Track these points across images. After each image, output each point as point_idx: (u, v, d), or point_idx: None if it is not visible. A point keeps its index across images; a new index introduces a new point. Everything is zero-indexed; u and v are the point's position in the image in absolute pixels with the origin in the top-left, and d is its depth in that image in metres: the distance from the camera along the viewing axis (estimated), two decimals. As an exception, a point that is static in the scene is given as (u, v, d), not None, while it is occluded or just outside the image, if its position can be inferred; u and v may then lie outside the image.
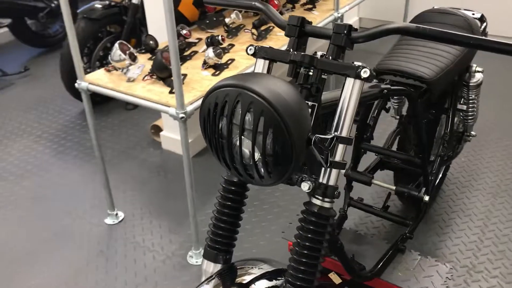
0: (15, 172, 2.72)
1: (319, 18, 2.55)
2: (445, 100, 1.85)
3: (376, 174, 1.88)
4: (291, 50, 1.03)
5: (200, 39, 2.29)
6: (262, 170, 0.88)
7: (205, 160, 2.75)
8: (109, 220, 2.32)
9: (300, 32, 1.04)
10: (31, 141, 3.01)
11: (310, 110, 1.02)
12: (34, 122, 3.23)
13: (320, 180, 0.99)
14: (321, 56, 0.99)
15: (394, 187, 1.75)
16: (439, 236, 2.17)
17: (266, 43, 2.27)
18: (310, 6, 2.62)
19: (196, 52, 2.17)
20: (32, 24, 4.25)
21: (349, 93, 0.97)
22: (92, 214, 2.38)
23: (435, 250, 2.09)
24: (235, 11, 2.34)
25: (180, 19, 2.41)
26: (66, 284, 1.99)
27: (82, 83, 1.97)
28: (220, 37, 2.14)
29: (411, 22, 1.86)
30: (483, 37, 0.91)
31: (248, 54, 1.08)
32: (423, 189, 1.72)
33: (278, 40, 2.31)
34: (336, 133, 0.97)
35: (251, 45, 1.08)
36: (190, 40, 2.26)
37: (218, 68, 2.00)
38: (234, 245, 1.14)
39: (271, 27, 2.38)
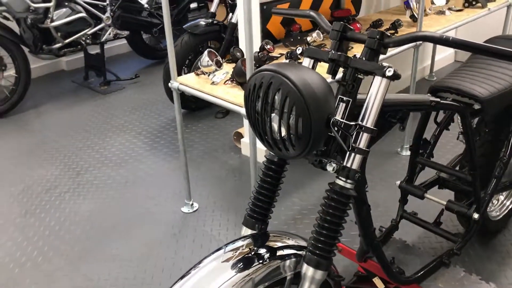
0: (115, 160, 3.12)
1: (399, 43, 2.66)
2: (510, 122, 1.88)
3: (440, 193, 1.94)
4: (332, 51, 1.20)
5: (282, 54, 2.51)
6: (287, 144, 1.06)
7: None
8: (185, 209, 2.59)
9: (342, 36, 1.21)
10: (131, 136, 3.42)
11: (344, 104, 1.18)
12: (136, 121, 3.65)
13: (344, 164, 1.14)
14: (355, 57, 1.16)
15: (445, 202, 1.81)
16: (499, 266, 2.14)
17: (343, 62, 2.43)
18: (392, 31, 2.74)
19: (276, 64, 2.39)
20: (146, 38, 4.80)
21: (376, 90, 1.12)
22: (172, 202, 2.67)
23: (491, 278, 2.06)
24: (317, 31, 2.53)
25: (268, 36, 2.66)
26: (139, 257, 2.27)
27: (174, 83, 2.28)
28: (298, 52, 2.34)
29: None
30: (495, 46, 1.01)
31: (297, 53, 1.27)
32: (474, 207, 1.76)
33: (355, 60, 2.45)
34: (361, 122, 1.12)
35: (301, 46, 1.26)
36: (273, 54, 2.49)
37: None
38: (269, 216, 1.31)
39: (350, 47, 2.54)
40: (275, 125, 1.06)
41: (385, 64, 1.11)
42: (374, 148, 3.14)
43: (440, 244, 2.24)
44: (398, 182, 1.94)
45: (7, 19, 3.70)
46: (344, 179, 1.14)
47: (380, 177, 2.84)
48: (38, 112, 3.88)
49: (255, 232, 1.29)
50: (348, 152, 1.13)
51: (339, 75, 1.19)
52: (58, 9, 3.69)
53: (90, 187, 2.85)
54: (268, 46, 2.49)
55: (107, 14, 4.06)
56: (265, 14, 2.62)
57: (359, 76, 1.17)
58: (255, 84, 1.06)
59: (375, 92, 1.12)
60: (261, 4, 2.59)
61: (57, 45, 3.81)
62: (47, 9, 3.61)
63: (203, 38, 3.43)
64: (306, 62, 1.26)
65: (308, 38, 2.58)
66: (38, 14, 3.58)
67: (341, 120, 1.05)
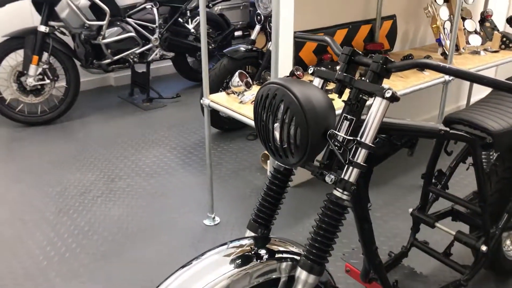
0: (147, 171, 3.29)
1: (428, 78, 2.72)
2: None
3: (455, 224, 1.97)
4: (339, 72, 1.30)
5: (311, 81, 2.62)
6: (287, 151, 1.16)
7: (304, 191, 3.02)
8: (207, 221, 2.70)
9: (350, 60, 1.31)
10: (166, 150, 3.59)
11: (348, 122, 1.27)
12: (172, 137, 3.83)
13: (342, 176, 1.22)
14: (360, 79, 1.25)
15: (454, 233, 1.83)
16: (512, 305, 2.12)
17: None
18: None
19: (304, 89, 2.51)
20: (191, 61, 5.04)
21: (376, 110, 1.20)
22: (195, 214, 2.78)
23: (502, 316, 2.05)
24: (346, 61, 2.64)
25: (299, 63, 2.79)
26: (158, 262, 2.38)
27: (205, 100, 2.43)
28: (310, 71, 2.45)
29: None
30: (496, 78, 1.09)
31: (309, 73, 1.38)
32: (482, 239, 1.78)
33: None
34: (359, 139, 1.20)
35: (313, 66, 1.37)
36: (302, 79, 2.61)
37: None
38: (272, 223, 1.40)
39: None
40: (277, 134, 1.16)
41: (385, 86, 1.20)
42: (400, 181, 3.18)
43: (454, 278, 2.23)
44: (410, 210, 1.99)
45: (64, 34, 4.01)
46: (341, 190, 1.22)
47: (402, 209, 2.86)
48: (83, 122, 4.13)
49: (258, 235, 1.38)
50: (346, 166, 1.21)
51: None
52: (110, 27, 3.97)
53: (122, 193, 3.01)
54: (298, 72, 2.61)
55: (156, 35, 4.32)
56: (298, 42, 2.76)
57: (363, 97, 1.26)
58: (263, 95, 1.18)
59: (374, 111, 1.20)
60: (295, 33, 2.72)
61: (106, 61, 4.07)
62: (100, 26, 3.90)
63: (241, 62, 3.60)
64: (316, 81, 1.36)
65: (338, 67, 2.68)
66: (91, 31, 3.87)
67: (339, 133, 1.14)
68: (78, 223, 2.70)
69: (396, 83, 2.65)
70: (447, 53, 2.87)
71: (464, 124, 1.72)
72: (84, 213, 2.80)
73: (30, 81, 3.85)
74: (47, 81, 3.94)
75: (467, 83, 4.06)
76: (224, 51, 3.63)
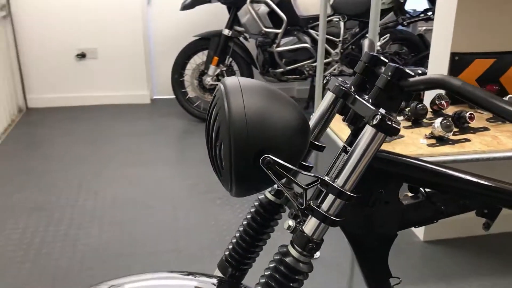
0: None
1: None
2: None
3: None
4: (341, 84, 0.92)
5: (448, 116, 2.07)
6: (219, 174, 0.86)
7: (441, 251, 2.43)
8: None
9: (366, 69, 0.92)
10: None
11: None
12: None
13: (303, 227, 0.85)
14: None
15: None
16: None
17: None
18: None
19: (437, 123, 1.99)
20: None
21: (363, 142, 0.81)
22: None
23: None
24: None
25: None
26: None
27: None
28: (468, 114, 1.90)
29: None
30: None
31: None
32: None
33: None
34: (327, 178, 0.82)
35: (330, 74, 1.01)
36: (446, 111, 2.09)
37: (441, 141, 1.80)
38: (250, 265, 1.09)
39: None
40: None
41: (382, 110, 0.79)
42: None
43: None
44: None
45: (246, 39, 4.14)
46: (299, 248, 0.85)
47: None
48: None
49: (226, 278, 1.09)
50: (307, 213, 0.85)
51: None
52: (286, 36, 3.93)
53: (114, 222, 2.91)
54: (442, 102, 2.10)
55: (337, 50, 4.11)
56: (457, 64, 2.23)
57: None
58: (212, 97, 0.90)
59: (361, 144, 0.81)
60: (453, 54, 2.21)
61: (279, 70, 4.05)
62: (276, 34, 3.89)
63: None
64: (328, 96, 1.00)
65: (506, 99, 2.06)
66: (267, 38, 3.89)
67: (282, 162, 0.79)
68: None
69: None
70: None
71: None
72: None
73: (208, 80, 4.08)
74: (223, 82, 4.11)
75: None
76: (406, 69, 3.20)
